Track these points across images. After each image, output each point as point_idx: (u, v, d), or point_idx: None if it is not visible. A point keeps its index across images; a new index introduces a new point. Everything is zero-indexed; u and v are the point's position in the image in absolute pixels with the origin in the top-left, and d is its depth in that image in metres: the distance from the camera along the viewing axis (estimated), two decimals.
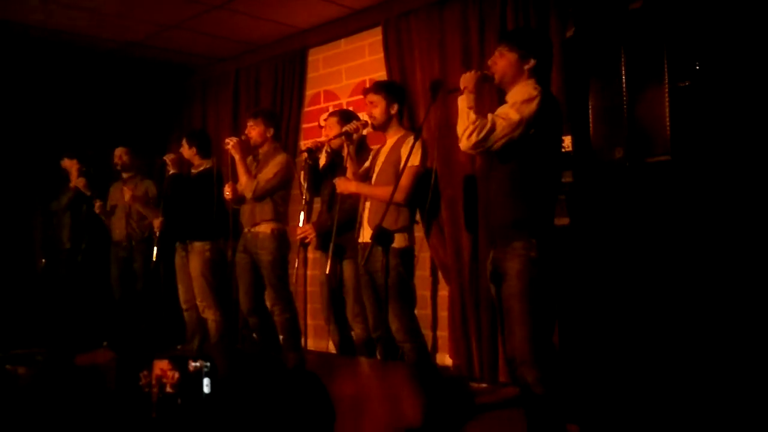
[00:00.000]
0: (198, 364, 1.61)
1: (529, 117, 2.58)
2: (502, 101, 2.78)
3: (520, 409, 2.64)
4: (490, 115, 2.63)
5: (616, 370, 3.00)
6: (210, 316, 4.59)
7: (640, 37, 2.96)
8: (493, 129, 2.58)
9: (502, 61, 2.75)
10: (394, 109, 3.55)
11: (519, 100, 2.61)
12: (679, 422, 2.77)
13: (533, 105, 2.58)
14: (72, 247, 5.35)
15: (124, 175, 5.25)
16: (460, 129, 2.65)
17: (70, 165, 5.37)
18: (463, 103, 2.68)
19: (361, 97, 4.72)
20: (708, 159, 2.79)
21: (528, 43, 2.75)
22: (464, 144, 2.64)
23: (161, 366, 1.63)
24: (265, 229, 4.21)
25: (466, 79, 2.74)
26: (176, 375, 1.61)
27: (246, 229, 4.32)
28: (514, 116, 2.58)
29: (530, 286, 2.56)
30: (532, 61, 2.70)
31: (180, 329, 4.87)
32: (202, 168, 4.73)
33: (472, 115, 2.63)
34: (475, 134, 2.59)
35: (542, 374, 2.52)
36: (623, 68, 3.00)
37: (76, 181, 5.26)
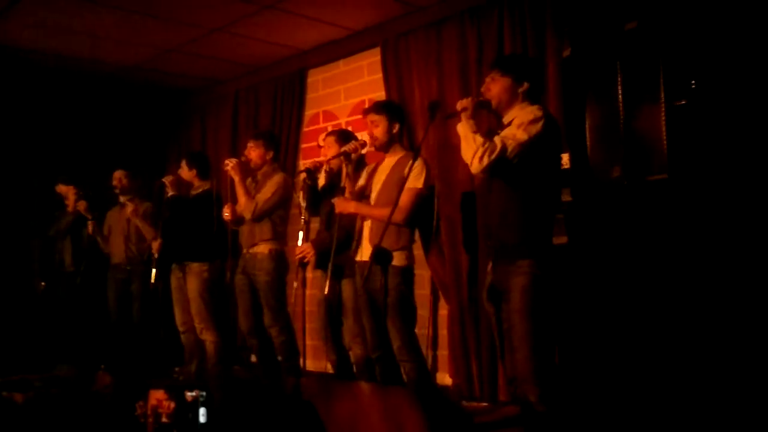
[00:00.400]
0: (194, 393, 1.60)
1: (536, 138, 2.64)
2: (498, 126, 2.82)
3: (520, 428, 2.63)
4: (497, 138, 2.68)
5: (615, 387, 2.98)
6: (208, 337, 4.57)
7: (636, 57, 2.98)
8: (504, 150, 2.63)
9: (495, 87, 2.82)
10: (396, 129, 3.56)
11: (526, 121, 2.67)
12: None
13: (539, 125, 2.65)
14: (74, 271, 5.35)
15: (122, 199, 5.25)
16: (467, 154, 2.68)
17: (66, 190, 5.38)
18: (465, 128, 2.73)
19: (360, 116, 4.75)
20: (705, 177, 2.79)
21: (520, 68, 2.84)
22: (476, 167, 2.68)
23: (157, 396, 1.62)
24: (263, 249, 4.21)
25: (463, 104, 2.78)
26: (172, 405, 1.60)
27: (245, 250, 4.32)
28: (522, 136, 2.64)
29: (534, 304, 2.59)
30: (526, 84, 2.78)
31: (178, 351, 4.84)
32: (201, 189, 4.74)
33: (479, 138, 2.67)
34: (486, 156, 2.63)
35: (544, 392, 2.52)
36: (620, 87, 3.01)
37: (77, 205, 5.26)
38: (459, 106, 2.81)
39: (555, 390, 2.59)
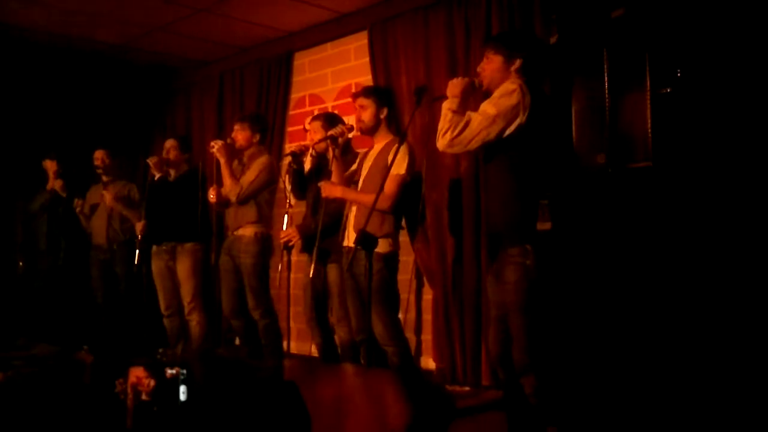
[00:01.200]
0: (174, 371, 1.60)
1: (507, 110, 2.53)
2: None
3: (502, 413, 2.64)
4: (468, 113, 2.61)
5: (599, 373, 3.01)
6: (195, 317, 4.57)
7: (622, 45, 2.98)
8: (467, 125, 2.55)
9: (489, 66, 2.74)
10: (384, 114, 3.55)
11: (497, 96, 2.59)
12: (663, 426, 2.79)
13: (513, 98, 2.54)
14: (48, 250, 5.30)
15: (105, 179, 5.20)
16: (438, 130, 2.64)
17: (50, 166, 5.32)
18: (445, 106, 2.68)
19: (347, 100, 4.73)
20: (689, 165, 2.81)
21: (513, 44, 2.74)
22: (441, 143, 2.61)
23: (137, 373, 1.61)
24: (248, 232, 4.21)
25: (453, 85, 2.74)
26: (152, 382, 1.60)
27: (230, 232, 4.31)
28: (491, 110, 2.55)
29: (527, 297, 2.54)
30: (518, 61, 2.68)
31: (161, 333, 4.83)
32: (183, 171, 4.71)
33: (449, 114, 2.61)
34: (450, 131, 2.57)
35: (540, 384, 2.50)
36: (606, 75, 3.01)
37: (54, 183, 5.20)
38: (449, 87, 2.75)
39: (551, 383, 2.56)
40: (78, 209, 5.15)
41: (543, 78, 2.83)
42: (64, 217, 5.24)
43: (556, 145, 2.76)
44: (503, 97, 2.56)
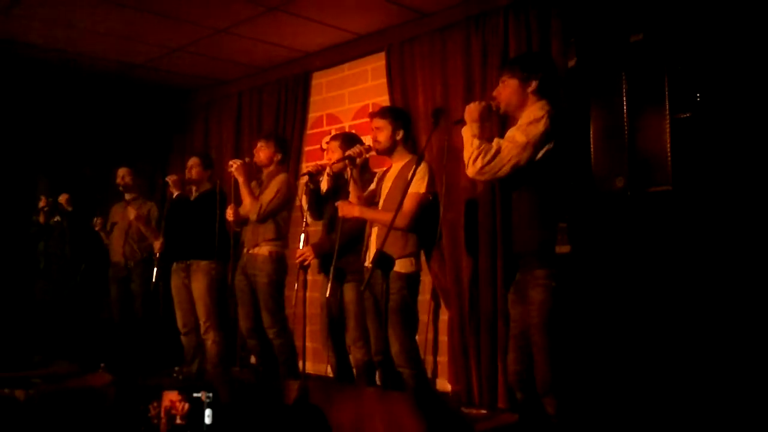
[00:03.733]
0: (200, 394, 1.61)
1: (537, 138, 2.58)
2: (505, 130, 2.81)
3: None
4: (496, 139, 2.65)
5: (618, 395, 2.98)
6: (211, 337, 4.57)
7: (641, 69, 2.98)
8: (498, 152, 2.59)
9: (505, 90, 2.79)
10: (400, 135, 3.57)
11: (525, 122, 2.63)
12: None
13: (540, 126, 2.59)
14: (45, 268, 5.36)
15: (127, 197, 5.26)
16: (465, 157, 2.67)
17: (42, 200, 5.41)
18: (468, 132, 2.71)
19: (364, 120, 4.76)
20: (709, 190, 2.80)
21: (528, 66, 2.79)
22: (471, 170, 2.65)
23: (171, 397, 1.62)
24: (263, 251, 4.23)
25: (470, 110, 2.77)
26: (186, 406, 1.61)
27: (245, 250, 4.33)
28: (521, 138, 2.59)
29: (551, 318, 2.56)
30: (534, 83, 2.73)
31: (177, 352, 4.85)
32: (204, 189, 4.75)
33: (476, 141, 2.65)
34: (480, 159, 2.60)
35: (562, 405, 2.50)
36: (624, 99, 3.01)
37: (59, 198, 5.27)
38: (467, 112, 2.79)
39: (574, 403, 2.57)
40: (98, 227, 5.19)
41: (559, 99, 2.85)
42: (72, 233, 5.28)
43: (576, 168, 2.80)
44: (532, 125, 2.60)
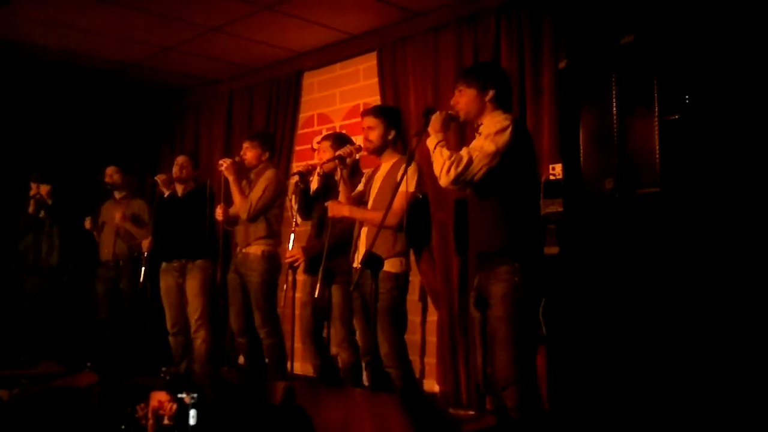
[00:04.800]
0: (184, 395, 1.60)
1: (504, 147, 2.66)
2: (464, 138, 2.88)
3: None
4: (465, 149, 2.71)
5: (605, 395, 2.99)
6: (201, 335, 4.55)
7: (631, 71, 3.00)
8: (470, 162, 2.66)
9: (462, 98, 2.86)
10: (391, 135, 3.56)
11: (492, 132, 2.69)
12: None
13: (506, 135, 2.68)
14: (33, 266, 5.31)
15: (117, 195, 5.23)
16: (436, 168, 2.73)
17: (32, 188, 5.34)
18: (432, 142, 2.77)
19: (356, 120, 4.75)
20: (697, 191, 2.81)
21: (483, 76, 2.87)
22: (444, 180, 2.71)
23: (159, 398, 1.62)
24: (255, 250, 4.22)
25: (433, 121, 2.82)
26: (174, 407, 1.60)
27: (238, 249, 4.32)
28: (489, 147, 2.66)
29: (514, 311, 2.63)
30: (491, 92, 2.82)
31: (165, 352, 4.82)
32: (191, 188, 4.73)
33: (446, 151, 2.72)
34: (453, 168, 2.66)
35: (523, 399, 2.55)
36: (614, 100, 3.03)
37: (40, 188, 5.22)
38: (431, 121, 2.84)
39: (534, 397, 2.64)
40: (89, 226, 5.15)
41: (511, 106, 2.99)
42: (53, 227, 5.23)
43: (535, 169, 2.97)
44: (498, 134, 2.68)
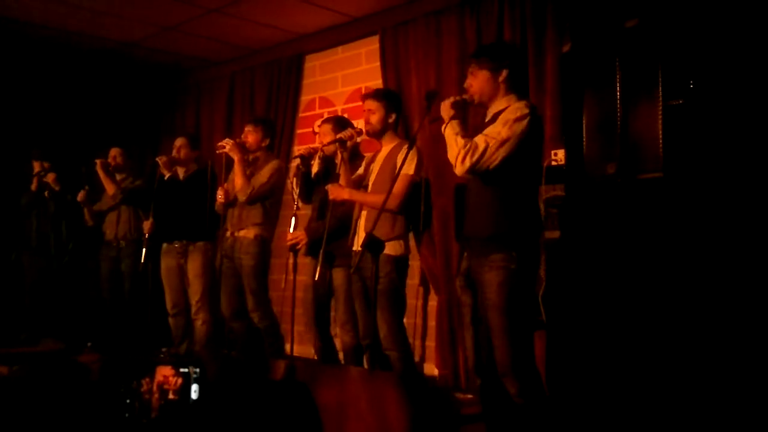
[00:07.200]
0: (188, 370, 1.60)
1: (519, 136, 2.61)
2: (484, 120, 2.83)
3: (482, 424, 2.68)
4: (481, 137, 2.65)
5: (606, 381, 3.00)
6: (201, 317, 4.56)
7: (635, 55, 2.97)
8: (486, 149, 2.60)
9: (476, 81, 2.79)
10: (392, 118, 3.55)
11: (511, 119, 2.63)
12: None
13: (524, 123, 2.62)
14: (38, 246, 5.30)
15: (117, 177, 5.22)
16: (451, 156, 2.68)
17: (35, 166, 5.31)
18: (450, 130, 2.71)
19: (357, 104, 4.74)
20: (700, 177, 2.80)
21: (496, 56, 2.79)
22: (459, 169, 2.66)
23: (164, 372, 1.62)
24: (248, 234, 4.21)
25: (446, 107, 2.78)
26: (179, 381, 1.61)
27: (229, 233, 4.31)
28: (506, 134, 2.61)
29: (509, 299, 2.58)
30: (504, 72, 2.74)
31: (166, 333, 4.83)
32: (193, 170, 4.72)
33: (461, 140, 2.65)
34: (468, 158, 2.61)
35: (523, 385, 2.53)
36: (618, 85, 3.01)
37: (47, 176, 5.21)
38: (442, 109, 2.80)
39: (535, 383, 2.61)
40: (80, 199, 5.12)
41: (527, 87, 2.88)
42: (60, 212, 5.22)
43: (540, 158, 2.89)
44: (517, 123, 2.62)
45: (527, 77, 2.92)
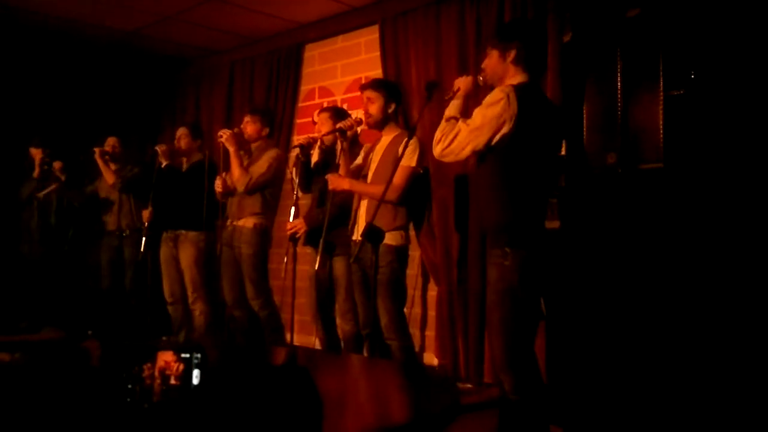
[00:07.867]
0: (189, 355, 1.61)
1: (492, 122, 2.44)
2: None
3: (497, 410, 2.64)
4: (460, 122, 2.56)
5: (605, 373, 3.01)
6: (199, 307, 4.57)
7: (636, 45, 2.97)
8: (456, 136, 2.51)
9: (490, 61, 2.66)
10: (391, 108, 3.55)
11: (486, 103, 2.50)
12: (665, 425, 2.79)
13: (497, 109, 2.44)
14: (41, 237, 5.30)
15: (113, 166, 5.21)
16: (434, 139, 2.61)
17: (35, 153, 5.27)
18: (445, 114, 2.64)
19: (356, 94, 4.72)
20: (700, 167, 2.81)
21: (504, 35, 2.65)
22: (435, 152, 2.59)
23: (165, 358, 1.63)
24: (248, 223, 4.22)
25: (461, 82, 2.72)
26: (181, 366, 1.61)
27: (229, 222, 4.32)
28: (477, 121, 2.48)
29: (504, 296, 2.49)
30: (513, 52, 2.56)
31: (166, 321, 4.85)
32: (195, 160, 4.71)
33: (443, 123, 2.59)
34: (441, 141, 2.55)
35: (517, 382, 2.47)
36: (619, 75, 3.01)
37: (54, 164, 5.19)
38: (456, 83, 2.73)
39: (532, 379, 2.52)
40: (97, 155, 5.03)
41: (543, 68, 2.68)
42: (60, 201, 5.22)
43: (551, 149, 2.66)
44: (489, 107, 2.47)
45: (544, 56, 2.72)
